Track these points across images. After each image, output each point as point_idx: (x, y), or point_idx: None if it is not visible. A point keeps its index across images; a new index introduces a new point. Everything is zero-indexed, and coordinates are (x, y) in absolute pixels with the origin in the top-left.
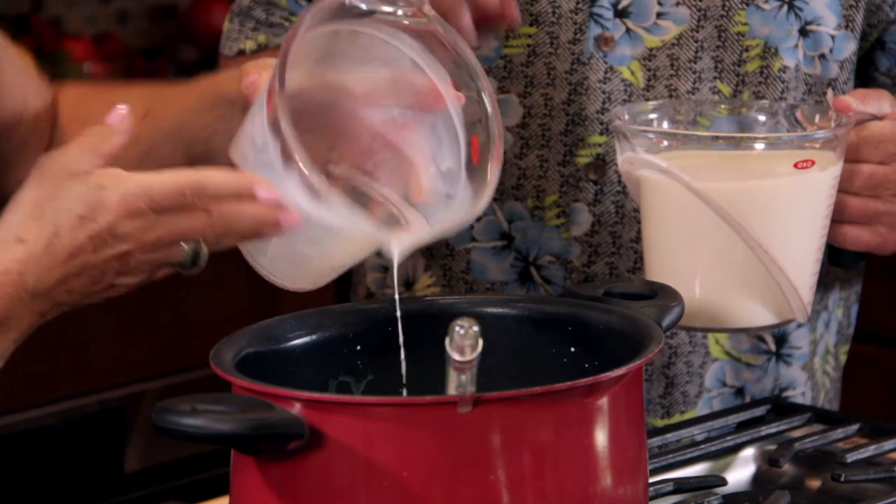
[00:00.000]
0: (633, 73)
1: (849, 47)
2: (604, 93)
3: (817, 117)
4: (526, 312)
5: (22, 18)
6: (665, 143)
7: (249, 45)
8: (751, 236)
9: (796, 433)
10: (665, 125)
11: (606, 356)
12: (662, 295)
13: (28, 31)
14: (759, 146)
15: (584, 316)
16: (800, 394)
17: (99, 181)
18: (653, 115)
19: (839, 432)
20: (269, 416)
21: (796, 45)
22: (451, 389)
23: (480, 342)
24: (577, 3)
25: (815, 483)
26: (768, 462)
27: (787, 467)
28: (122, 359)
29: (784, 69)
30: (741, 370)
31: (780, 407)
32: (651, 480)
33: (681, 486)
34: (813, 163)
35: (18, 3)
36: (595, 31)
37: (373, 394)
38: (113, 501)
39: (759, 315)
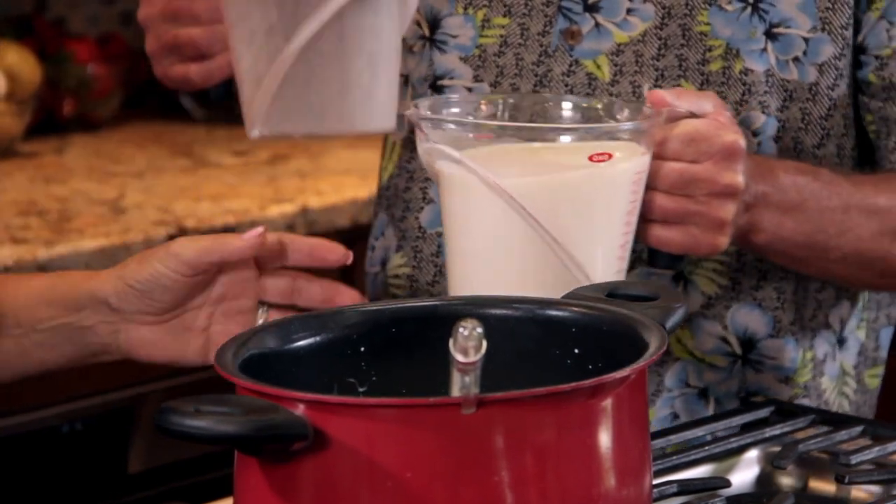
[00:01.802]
0: (598, 67)
1: (826, 50)
2: (566, 85)
3: (626, 112)
4: (529, 314)
5: (25, 19)
6: (470, 135)
7: None
8: (546, 231)
9: (800, 435)
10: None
11: (610, 358)
12: (665, 297)
13: (31, 32)
14: (562, 138)
15: (587, 317)
16: None
17: None
18: (455, 109)
19: (843, 434)
20: (272, 418)
21: (764, 49)
22: (455, 391)
23: (484, 343)
24: None
25: (819, 485)
26: (772, 464)
27: (791, 469)
28: (126, 360)
29: (747, 71)
30: (704, 371)
31: (784, 409)
32: (655, 482)
33: (685, 487)
34: (610, 156)
35: (21, 3)
36: (562, 24)
37: (376, 395)
38: (116, 502)
39: None
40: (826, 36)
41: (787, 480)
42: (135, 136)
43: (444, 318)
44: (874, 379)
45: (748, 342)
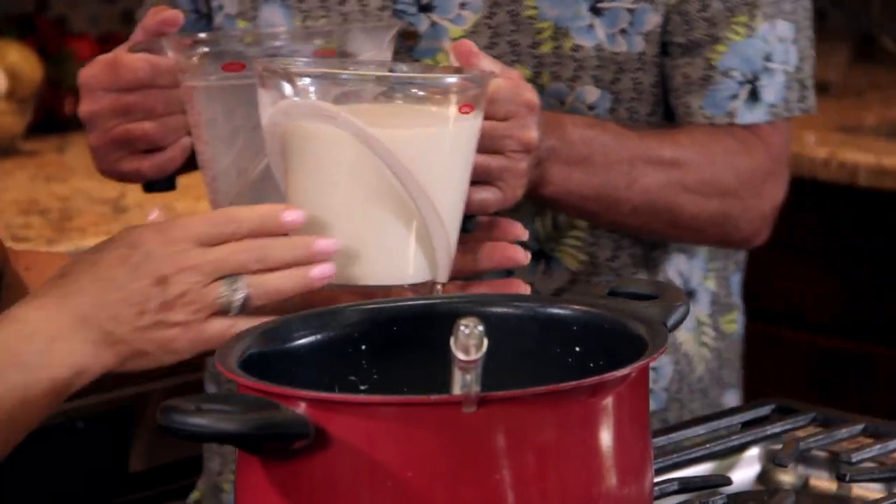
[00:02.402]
0: (438, 63)
1: (651, 20)
2: None
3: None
4: (530, 312)
5: (26, 18)
6: (311, 89)
7: None
8: (419, 187)
9: (801, 433)
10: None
11: (611, 356)
12: (666, 294)
13: (33, 31)
14: (419, 89)
15: (588, 316)
16: None
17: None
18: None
19: (844, 432)
20: (273, 416)
21: (591, 25)
22: (456, 389)
23: (485, 342)
24: (384, 0)
25: (819, 483)
26: (773, 462)
27: (792, 467)
28: None
29: (577, 48)
30: None
31: (785, 407)
32: (656, 480)
33: (686, 485)
34: (472, 107)
35: (23, 2)
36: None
37: (377, 393)
38: (118, 501)
39: (404, 274)
40: (649, 5)
41: (787, 478)
42: None
43: (445, 317)
44: (731, 324)
45: None
